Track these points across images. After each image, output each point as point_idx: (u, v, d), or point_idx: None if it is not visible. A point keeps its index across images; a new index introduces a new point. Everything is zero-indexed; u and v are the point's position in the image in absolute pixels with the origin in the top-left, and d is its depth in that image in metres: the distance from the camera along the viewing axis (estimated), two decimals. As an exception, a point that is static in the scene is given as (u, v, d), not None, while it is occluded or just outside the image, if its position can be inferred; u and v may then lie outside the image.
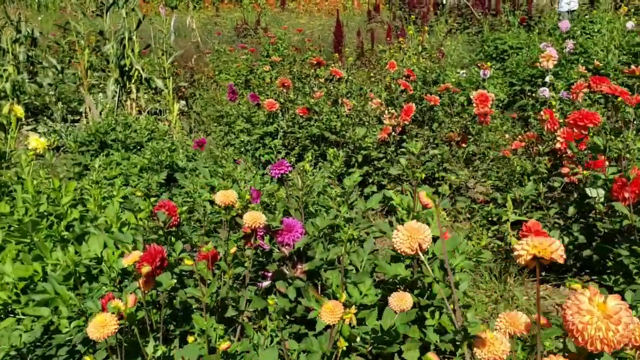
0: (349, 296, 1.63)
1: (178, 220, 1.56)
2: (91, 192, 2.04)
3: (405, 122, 3.01)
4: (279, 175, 1.83)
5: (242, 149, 4.04)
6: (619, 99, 2.34)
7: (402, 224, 1.78)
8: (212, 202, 2.88)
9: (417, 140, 3.09)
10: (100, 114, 4.87)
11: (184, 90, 6.58)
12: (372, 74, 5.77)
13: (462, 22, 9.67)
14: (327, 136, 3.50)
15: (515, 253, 0.93)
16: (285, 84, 3.95)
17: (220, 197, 1.37)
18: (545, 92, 4.05)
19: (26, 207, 1.93)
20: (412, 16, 7.24)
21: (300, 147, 3.71)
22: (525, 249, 0.92)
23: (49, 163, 3.30)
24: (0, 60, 6.00)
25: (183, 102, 5.90)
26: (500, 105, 4.85)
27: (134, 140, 3.53)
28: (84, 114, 5.65)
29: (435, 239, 1.73)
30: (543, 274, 2.39)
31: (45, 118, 5.53)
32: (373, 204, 2.10)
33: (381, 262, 1.76)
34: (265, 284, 1.72)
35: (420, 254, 1.09)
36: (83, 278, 1.64)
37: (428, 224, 1.72)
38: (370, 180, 3.23)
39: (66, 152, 4.48)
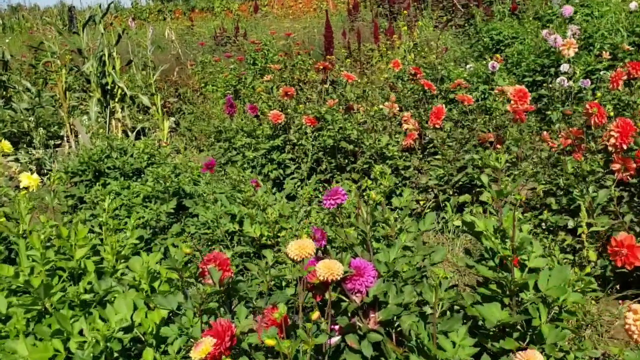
0: (440, 350, 1.35)
1: (232, 275, 1.27)
2: (107, 239, 1.72)
3: (437, 126, 2.74)
4: (335, 206, 1.54)
5: (245, 166, 3.74)
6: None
7: (495, 256, 1.51)
8: (233, 232, 2.59)
9: (449, 145, 2.82)
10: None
11: (169, 105, 6.24)
12: (366, 74, 5.51)
13: (445, 15, 9.45)
14: (343, 146, 3.21)
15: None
16: (289, 93, 3.65)
17: (296, 250, 1.08)
18: (564, 81, 3.81)
19: (32, 266, 1.61)
20: (404, 11, 6.98)
21: (312, 160, 3.41)
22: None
23: (38, 197, 2.97)
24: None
25: (173, 119, 5.56)
26: (509, 98, 4.61)
27: (132, 167, 3.20)
28: (65, 138, 5.28)
29: (534, 270, 1.45)
30: (617, 287, 2.14)
31: (25, 146, 5.15)
32: (427, 225, 1.83)
33: (468, 300, 1.48)
34: (334, 340, 1.43)
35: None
36: (116, 355, 1.33)
37: (530, 251, 1.45)
38: (398, 192, 2.95)
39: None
